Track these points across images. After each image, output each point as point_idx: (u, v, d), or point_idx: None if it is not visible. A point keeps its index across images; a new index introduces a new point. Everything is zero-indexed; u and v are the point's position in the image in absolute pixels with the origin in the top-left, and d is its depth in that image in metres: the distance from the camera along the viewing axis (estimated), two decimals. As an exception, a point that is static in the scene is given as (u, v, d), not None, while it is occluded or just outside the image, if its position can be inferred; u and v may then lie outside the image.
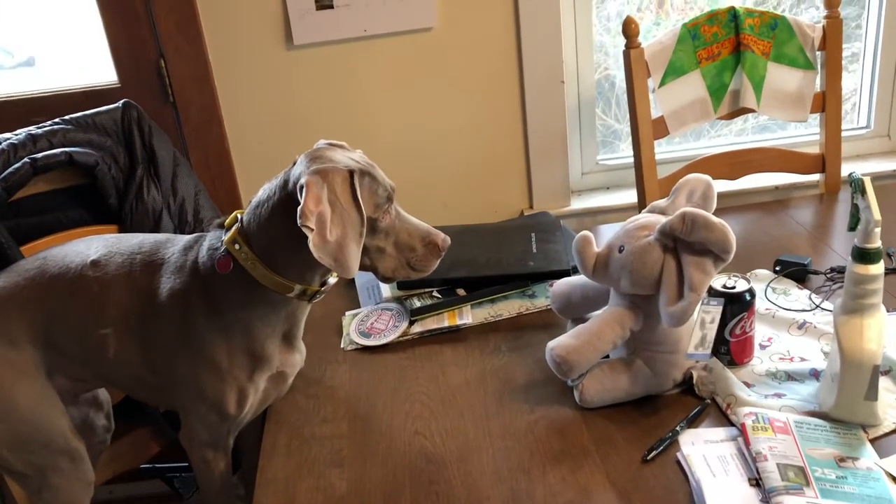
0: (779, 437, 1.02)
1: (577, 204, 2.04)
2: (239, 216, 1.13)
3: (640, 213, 1.81)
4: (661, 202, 1.20)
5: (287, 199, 1.07)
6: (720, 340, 1.20)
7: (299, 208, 1.01)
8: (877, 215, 0.98)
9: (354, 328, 1.42)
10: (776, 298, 1.37)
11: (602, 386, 1.15)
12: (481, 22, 1.86)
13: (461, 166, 1.99)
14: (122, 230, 1.50)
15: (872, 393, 1.03)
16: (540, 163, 1.99)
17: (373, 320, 1.43)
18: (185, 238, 1.18)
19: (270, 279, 1.09)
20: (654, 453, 1.06)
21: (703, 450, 1.05)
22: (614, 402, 1.16)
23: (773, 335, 1.28)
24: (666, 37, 1.75)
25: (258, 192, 1.12)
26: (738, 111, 1.81)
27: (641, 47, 1.72)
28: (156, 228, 1.50)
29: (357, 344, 1.39)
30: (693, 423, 1.11)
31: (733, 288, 1.19)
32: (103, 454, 1.45)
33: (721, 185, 1.87)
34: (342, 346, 1.40)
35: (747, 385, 1.17)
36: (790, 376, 1.17)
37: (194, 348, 1.12)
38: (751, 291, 1.19)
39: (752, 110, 1.79)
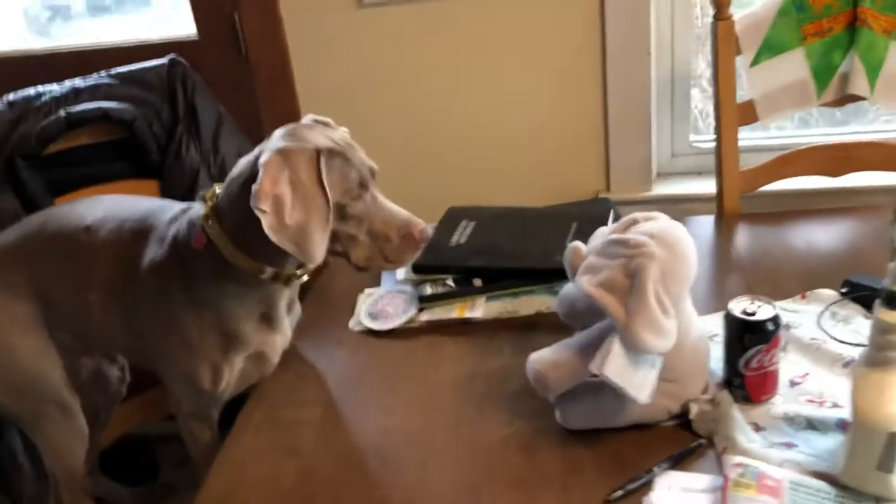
0: (761, 499, 0.87)
1: (661, 189, 1.86)
2: (217, 190, 1.09)
3: (717, 206, 1.64)
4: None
5: (255, 177, 1.02)
6: (734, 372, 1.04)
7: (253, 188, 0.96)
8: (906, 254, 0.80)
9: (366, 309, 1.36)
10: (832, 327, 1.17)
11: (582, 409, 1.04)
12: (560, -16, 1.71)
13: (533, 140, 1.86)
14: (162, 185, 1.53)
15: (888, 464, 0.85)
16: (620, 142, 1.82)
17: (385, 302, 1.37)
18: (176, 208, 1.17)
19: (239, 259, 1.06)
20: (619, 493, 0.94)
21: (677, 499, 0.92)
22: (598, 427, 1.04)
23: (810, 371, 1.10)
24: (764, 8, 1.52)
25: (234, 167, 1.07)
26: (845, 98, 1.56)
27: (732, 19, 1.51)
28: (192, 187, 1.51)
29: (364, 326, 1.33)
30: (679, 463, 0.97)
31: (753, 314, 1.02)
32: (122, 405, 1.50)
33: (820, 182, 1.65)
34: (350, 325, 1.35)
35: (757, 428, 1.01)
36: (811, 424, 1.00)
37: (169, 322, 1.12)
38: (775, 320, 1.02)
39: (862, 98, 1.54)
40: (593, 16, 1.72)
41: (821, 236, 1.45)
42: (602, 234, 1.06)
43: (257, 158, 1.03)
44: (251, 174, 1.02)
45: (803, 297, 1.26)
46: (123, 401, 1.53)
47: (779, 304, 1.24)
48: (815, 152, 1.58)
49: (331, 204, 1.00)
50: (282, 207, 0.96)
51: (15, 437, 1.54)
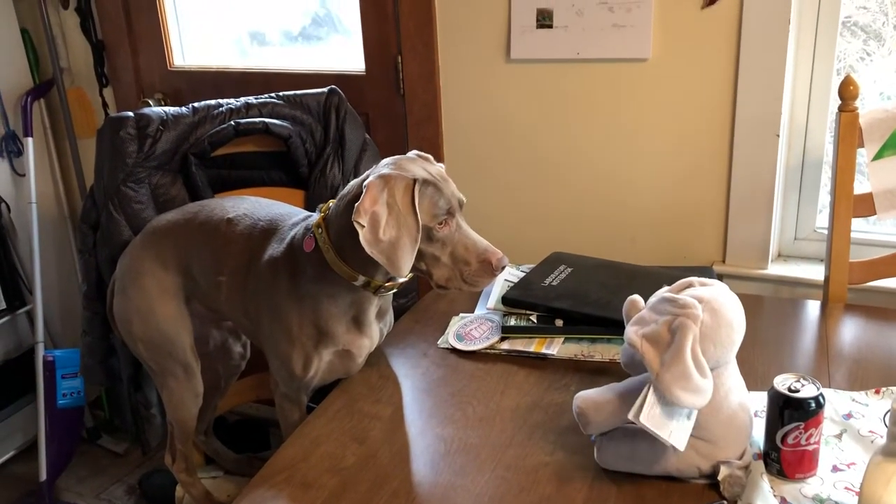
0: (756, 562, 0.91)
1: (777, 269, 1.86)
2: (332, 204, 1.27)
3: (823, 293, 1.64)
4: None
5: (359, 197, 1.18)
6: (771, 445, 1.08)
7: (355, 205, 1.12)
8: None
9: (455, 330, 1.50)
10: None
11: (618, 451, 1.11)
12: (698, 61, 1.78)
13: (656, 205, 1.93)
14: (307, 196, 1.74)
15: (887, 554, 0.87)
16: (740, 218, 1.85)
17: (473, 326, 1.49)
18: (300, 216, 1.36)
19: (337, 265, 1.22)
20: (630, 532, 1.01)
21: (682, 547, 0.97)
22: (630, 472, 1.11)
23: (858, 461, 1.11)
24: (894, 104, 1.53)
25: (345, 186, 1.25)
26: (973, 204, 1.53)
27: (857, 112, 1.53)
28: (330, 201, 1.71)
29: (449, 344, 1.46)
30: (695, 519, 1.03)
31: (796, 392, 1.05)
32: (241, 381, 1.71)
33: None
34: (438, 342, 1.49)
35: (783, 502, 1.04)
36: (838, 509, 1.02)
37: (275, 311, 1.30)
38: (817, 400, 1.05)
39: None
40: (727, 95, 1.78)
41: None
42: (660, 293, 1.13)
43: (363, 181, 1.20)
44: (356, 194, 1.19)
45: (877, 391, 1.26)
46: (242, 376, 1.74)
47: (850, 393, 1.27)
48: (934, 254, 1.55)
49: (420, 226, 1.15)
50: (377, 224, 1.12)
51: (152, 392, 1.79)
